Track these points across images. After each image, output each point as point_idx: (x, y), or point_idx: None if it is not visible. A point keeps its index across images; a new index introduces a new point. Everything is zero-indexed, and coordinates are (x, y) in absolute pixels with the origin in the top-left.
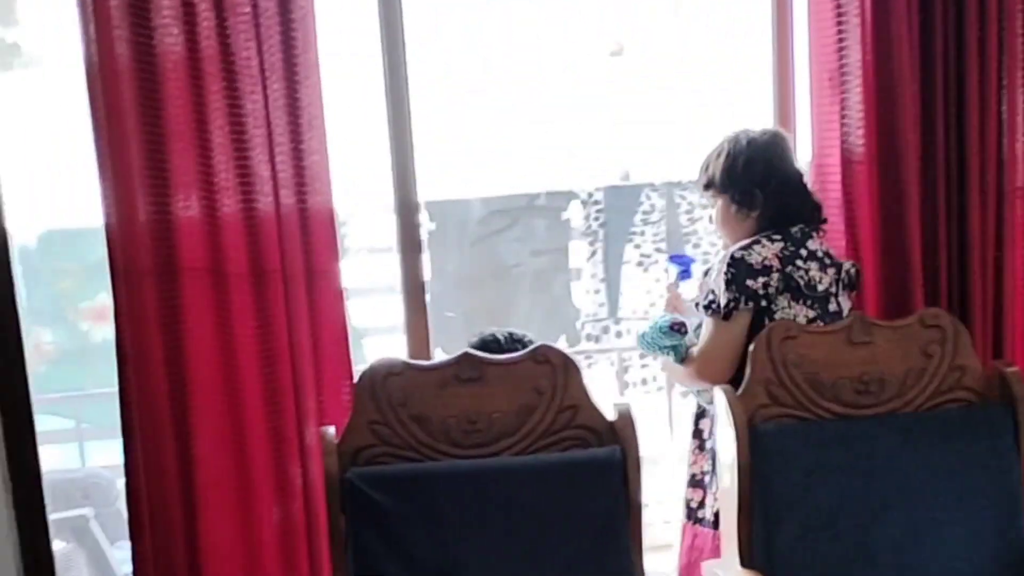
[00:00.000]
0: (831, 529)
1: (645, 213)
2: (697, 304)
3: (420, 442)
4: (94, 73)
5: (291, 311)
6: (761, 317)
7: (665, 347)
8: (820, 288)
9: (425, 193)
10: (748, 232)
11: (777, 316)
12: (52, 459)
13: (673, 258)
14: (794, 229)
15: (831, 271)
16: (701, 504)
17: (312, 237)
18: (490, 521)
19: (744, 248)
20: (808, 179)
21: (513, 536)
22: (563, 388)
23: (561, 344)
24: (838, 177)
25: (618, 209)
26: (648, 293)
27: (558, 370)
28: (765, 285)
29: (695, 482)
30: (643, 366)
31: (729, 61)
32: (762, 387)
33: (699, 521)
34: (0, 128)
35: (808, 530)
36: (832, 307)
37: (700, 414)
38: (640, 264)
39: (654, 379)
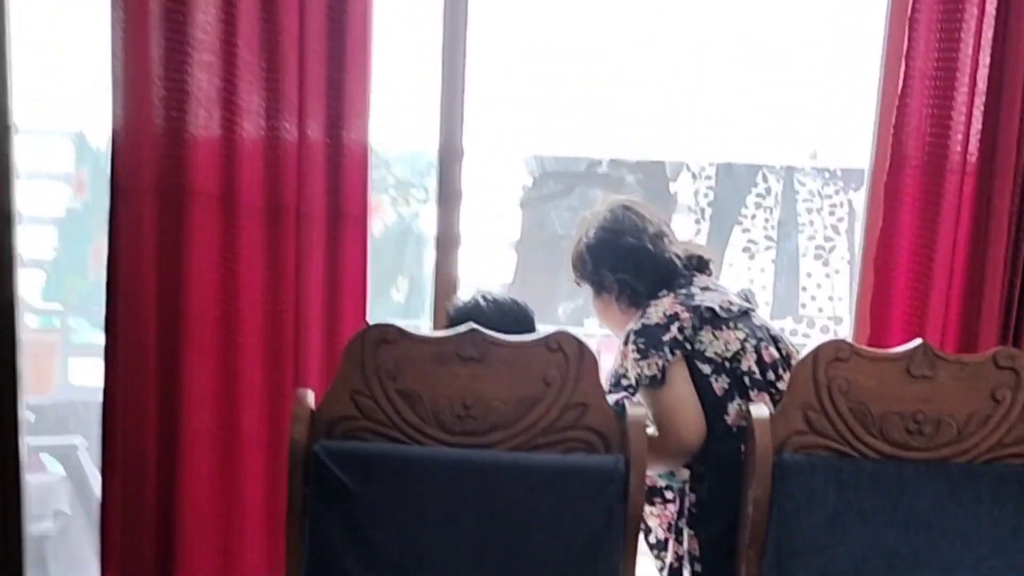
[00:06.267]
0: None
1: (759, 196)
2: (621, 404)
3: (406, 421)
4: None
5: (303, 255)
6: (692, 363)
7: None
8: (734, 308)
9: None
10: (622, 314)
11: (708, 353)
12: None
13: None
14: (677, 280)
15: (733, 295)
16: None
17: (342, 176)
18: (466, 520)
19: (639, 319)
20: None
21: (490, 540)
22: (574, 382)
23: None
24: (920, 183)
25: (730, 188)
26: (751, 283)
27: (572, 361)
28: (680, 329)
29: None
30: None
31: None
32: (800, 411)
33: None
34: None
35: None
36: (757, 321)
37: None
38: (746, 250)
39: None
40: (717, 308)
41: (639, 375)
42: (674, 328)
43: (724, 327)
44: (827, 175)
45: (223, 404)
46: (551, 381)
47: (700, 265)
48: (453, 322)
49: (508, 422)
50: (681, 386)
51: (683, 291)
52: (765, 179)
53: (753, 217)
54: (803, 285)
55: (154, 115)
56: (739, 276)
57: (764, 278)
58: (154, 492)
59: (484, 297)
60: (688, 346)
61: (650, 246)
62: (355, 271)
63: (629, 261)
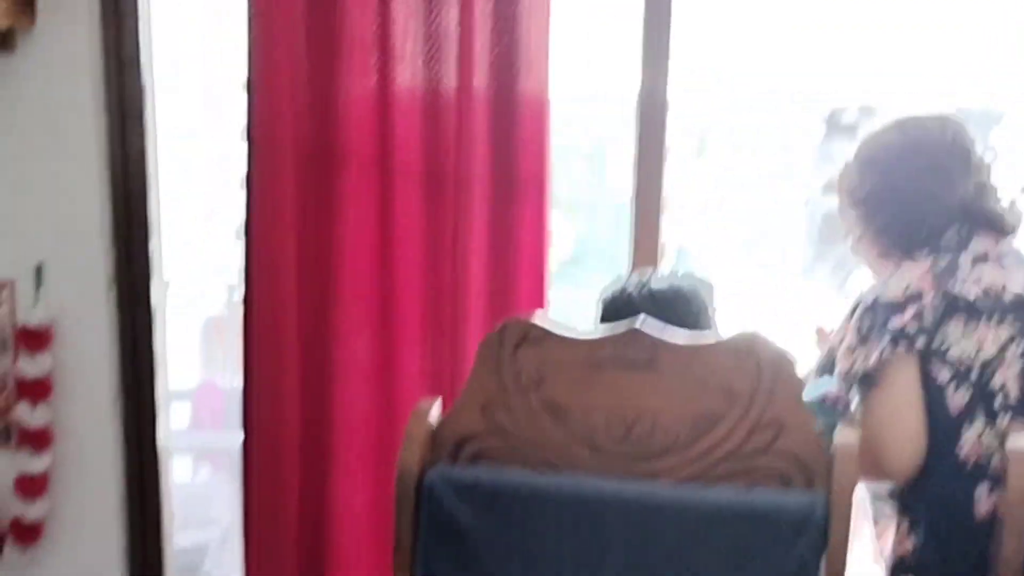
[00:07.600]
0: None
1: None
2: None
3: (550, 440)
4: None
5: (465, 226)
6: (927, 363)
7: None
8: (1008, 295)
9: None
10: (876, 259)
11: (951, 354)
12: None
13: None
14: (948, 233)
15: (1022, 274)
16: None
17: (516, 132)
18: (612, 572)
19: (876, 288)
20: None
21: None
22: (767, 396)
23: None
24: None
25: None
26: None
27: (765, 369)
28: (917, 316)
29: None
30: None
31: None
32: None
33: None
34: None
35: None
36: None
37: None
38: None
39: None
40: (978, 294)
41: (851, 366)
42: (909, 312)
43: (982, 321)
44: None
45: (374, 397)
46: (738, 394)
47: (990, 222)
48: (604, 316)
49: (680, 444)
50: (901, 392)
51: (945, 258)
52: None
53: None
54: None
55: (297, 63)
56: None
57: None
58: (299, 496)
59: (639, 283)
60: (923, 340)
61: (922, 194)
62: (531, 245)
63: (887, 208)
